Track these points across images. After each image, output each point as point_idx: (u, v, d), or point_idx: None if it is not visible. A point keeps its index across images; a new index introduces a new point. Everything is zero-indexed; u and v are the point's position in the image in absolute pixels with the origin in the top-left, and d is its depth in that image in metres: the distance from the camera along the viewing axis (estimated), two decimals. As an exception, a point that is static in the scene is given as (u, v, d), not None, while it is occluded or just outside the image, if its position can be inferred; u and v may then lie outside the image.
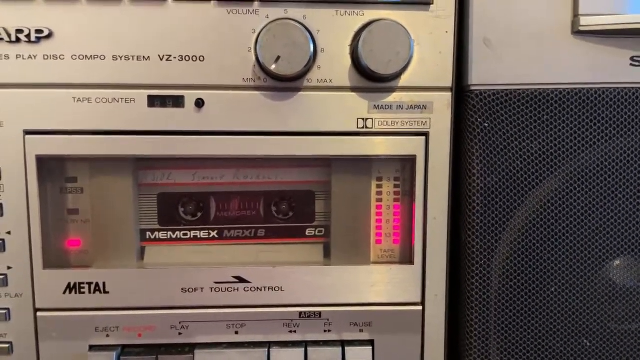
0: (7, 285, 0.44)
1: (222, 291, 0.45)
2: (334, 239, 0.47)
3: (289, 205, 0.48)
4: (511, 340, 0.46)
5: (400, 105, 0.44)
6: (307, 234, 0.48)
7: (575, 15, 0.43)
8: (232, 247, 0.47)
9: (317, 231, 0.48)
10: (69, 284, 0.44)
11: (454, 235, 0.46)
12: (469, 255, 0.45)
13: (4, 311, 0.44)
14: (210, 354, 0.45)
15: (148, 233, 0.47)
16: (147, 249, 0.47)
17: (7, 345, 0.45)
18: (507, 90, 0.43)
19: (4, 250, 0.43)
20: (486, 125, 0.43)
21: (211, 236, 0.47)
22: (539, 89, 0.43)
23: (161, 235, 0.47)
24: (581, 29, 0.43)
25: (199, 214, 0.47)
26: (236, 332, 0.45)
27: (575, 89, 0.43)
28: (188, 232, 0.47)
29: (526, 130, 0.43)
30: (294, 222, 0.48)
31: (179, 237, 0.47)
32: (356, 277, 0.46)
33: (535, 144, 0.44)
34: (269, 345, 0.45)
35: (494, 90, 0.43)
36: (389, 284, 0.46)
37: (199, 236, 0.47)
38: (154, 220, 0.47)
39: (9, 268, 0.44)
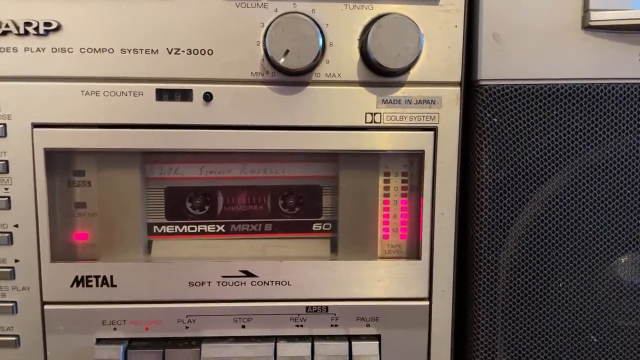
0: (14, 278, 0.44)
1: (229, 285, 0.45)
2: (340, 233, 0.47)
3: (296, 199, 0.48)
4: (518, 335, 0.46)
5: (408, 100, 0.44)
6: (313, 228, 0.48)
7: (586, 10, 0.43)
8: (239, 241, 0.47)
9: (323, 226, 0.48)
10: (76, 277, 0.44)
11: (461, 230, 0.46)
12: (476, 251, 0.45)
13: (11, 304, 0.44)
14: (216, 348, 0.45)
15: (155, 227, 0.47)
16: (154, 242, 0.47)
17: (14, 339, 0.45)
18: (516, 85, 0.43)
19: (12, 243, 0.43)
20: (495, 120, 0.43)
21: (218, 230, 0.47)
22: (548, 84, 0.43)
23: (168, 229, 0.47)
24: (591, 24, 0.42)
25: (206, 208, 0.47)
26: (243, 326, 0.45)
27: (584, 84, 0.43)
28: (195, 226, 0.47)
29: (535, 126, 0.43)
30: (300, 217, 0.48)
31: (186, 231, 0.47)
32: (363, 272, 0.46)
33: (544, 139, 0.43)
34: (275, 339, 0.45)
35: (503, 85, 0.43)
36: (395, 279, 0.46)
37: (206, 230, 0.47)
38: (161, 214, 0.47)
39: (16, 261, 0.44)
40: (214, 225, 0.47)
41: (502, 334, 0.46)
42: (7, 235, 0.43)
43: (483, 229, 0.44)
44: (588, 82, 0.43)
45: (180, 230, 0.47)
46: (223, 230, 0.47)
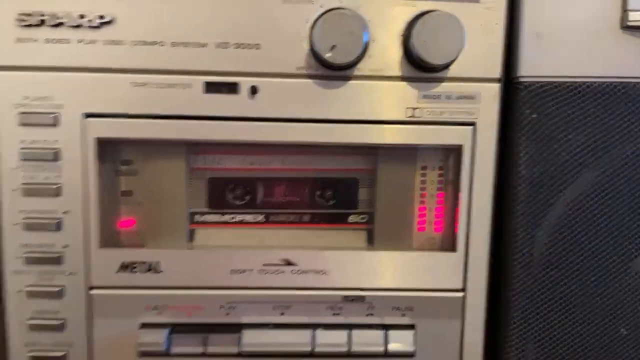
0: (62, 263, 0.45)
1: (269, 273, 0.46)
2: (377, 225, 0.48)
3: (334, 191, 0.49)
4: (549, 325, 0.47)
5: (448, 95, 0.45)
6: (350, 220, 0.49)
7: (625, 10, 0.43)
8: (279, 230, 0.49)
9: (360, 218, 0.49)
10: (123, 263, 0.45)
11: (496, 223, 0.47)
12: (512, 244, 0.46)
13: (58, 289, 0.46)
14: (256, 334, 0.46)
15: (197, 216, 0.48)
16: (196, 231, 0.48)
17: (60, 322, 0.46)
18: (555, 82, 0.44)
19: (61, 229, 0.45)
20: (534, 116, 0.44)
21: (258, 220, 0.49)
22: (587, 82, 0.44)
23: (210, 218, 0.48)
24: (629, 24, 0.43)
25: (247, 198, 0.48)
26: (282, 314, 0.47)
27: (622, 82, 0.44)
28: (236, 216, 0.48)
29: (572, 123, 0.44)
30: (338, 209, 0.49)
31: (227, 220, 0.48)
32: (399, 262, 0.47)
33: (581, 136, 0.44)
34: (313, 327, 0.47)
35: (542, 82, 0.44)
36: (431, 270, 0.47)
37: (246, 220, 0.49)
38: (204, 203, 0.48)
39: (64, 247, 0.45)
40: (254, 215, 0.49)
41: (534, 324, 0.47)
42: (56, 221, 0.44)
43: (519, 223, 0.45)
44: (625, 80, 0.44)
45: (222, 220, 0.48)
46: (263, 220, 0.49)
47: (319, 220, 0.49)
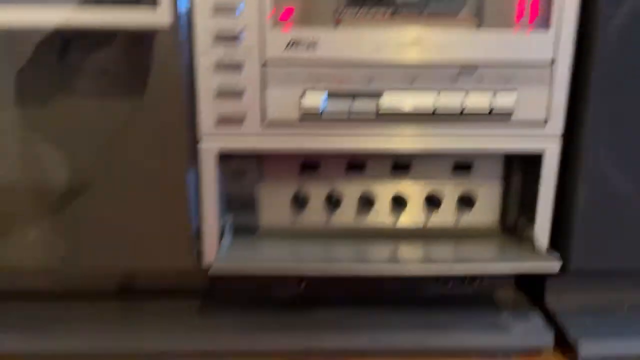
0: (241, 41, 0.57)
1: (401, 50, 0.59)
2: (485, 16, 0.60)
3: (448, -13, 0.60)
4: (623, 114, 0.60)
5: None
6: (461, 15, 0.61)
7: None
8: (405, 24, 0.61)
9: (469, 10, 0.61)
10: (289, 41, 0.58)
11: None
12: (594, 16, 0.58)
13: (238, 63, 0.58)
14: (393, 96, 0.59)
15: (340, 12, 0.59)
16: (341, 23, 0.60)
17: (240, 91, 0.59)
18: None
19: (241, 13, 0.57)
20: None
21: (388, 14, 0.60)
22: None
23: (349, 14, 0.60)
24: None
25: (380, -7, 0.60)
26: (412, 82, 0.60)
27: None
28: (370, 11, 0.60)
29: None
30: (451, 4, 0.61)
31: (364, 14, 0.60)
32: (505, 40, 0.59)
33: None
34: (436, 92, 0.60)
35: None
36: (530, 43, 0.59)
37: (377, 14, 0.60)
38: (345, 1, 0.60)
39: (243, 28, 0.57)
40: (383, 10, 0.60)
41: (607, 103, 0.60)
42: (237, 5, 0.56)
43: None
44: None
45: (359, 15, 0.60)
46: (391, 15, 0.60)
47: (437, 15, 0.61)
